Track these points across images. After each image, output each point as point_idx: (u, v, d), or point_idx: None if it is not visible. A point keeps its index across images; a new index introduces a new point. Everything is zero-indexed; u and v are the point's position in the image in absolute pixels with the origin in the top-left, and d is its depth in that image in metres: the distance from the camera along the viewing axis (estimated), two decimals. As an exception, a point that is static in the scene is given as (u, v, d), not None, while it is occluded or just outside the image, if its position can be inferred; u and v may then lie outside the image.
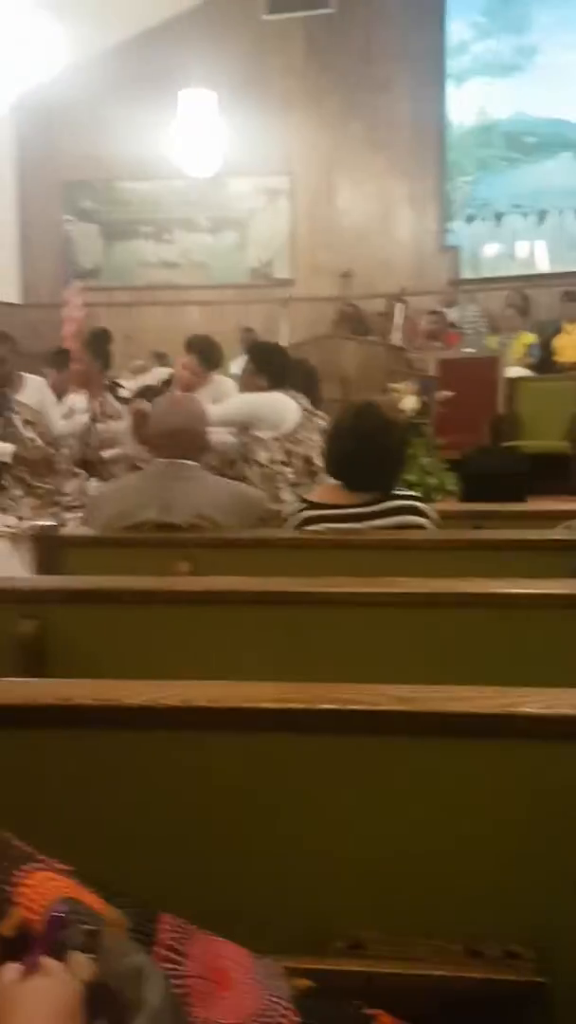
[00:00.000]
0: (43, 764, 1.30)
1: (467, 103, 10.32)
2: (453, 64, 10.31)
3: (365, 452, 2.62)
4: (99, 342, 5.87)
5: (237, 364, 9.81)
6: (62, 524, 3.20)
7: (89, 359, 5.59)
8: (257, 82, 10.40)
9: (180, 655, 2.06)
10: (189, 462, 2.85)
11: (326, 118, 10.51)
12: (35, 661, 2.06)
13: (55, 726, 1.31)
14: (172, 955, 1.06)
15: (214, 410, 3.62)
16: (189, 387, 4.33)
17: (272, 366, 4.07)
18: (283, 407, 3.93)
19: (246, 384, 4.09)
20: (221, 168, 10.09)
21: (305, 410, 4.02)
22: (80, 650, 2.12)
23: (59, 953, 0.91)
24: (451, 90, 10.34)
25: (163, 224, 11.02)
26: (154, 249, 11.09)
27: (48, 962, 0.89)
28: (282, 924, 1.13)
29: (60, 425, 5.21)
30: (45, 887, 1.01)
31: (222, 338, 10.38)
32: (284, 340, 9.27)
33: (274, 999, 1.05)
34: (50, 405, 5.19)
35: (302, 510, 2.72)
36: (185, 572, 2.64)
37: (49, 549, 2.88)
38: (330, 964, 1.09)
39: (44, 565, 2.87)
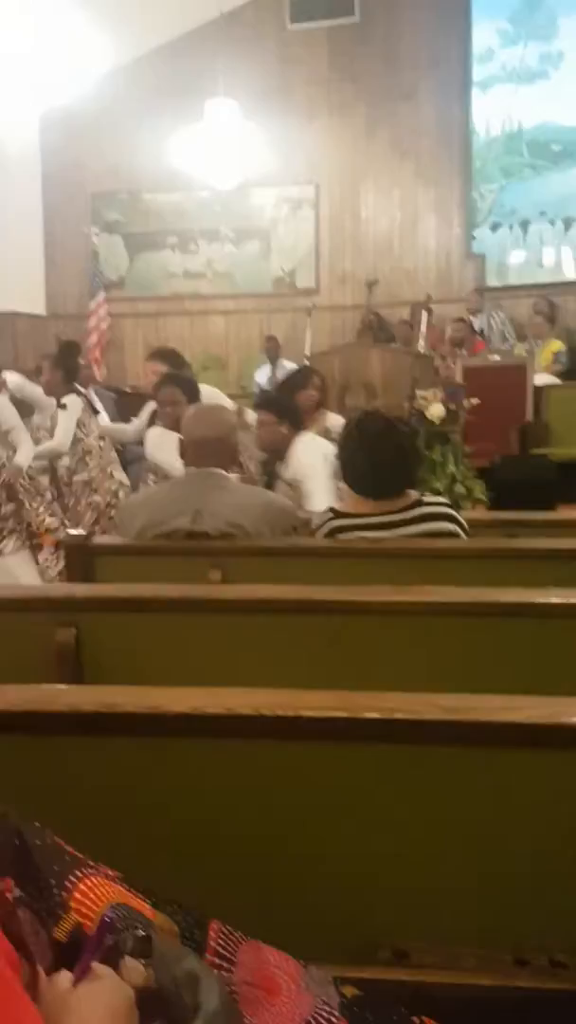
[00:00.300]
0: (88, 770, 1.31)
1: (493, 110, 10.31)
2: (479, 71, 10.31)
3: (375, 458, 2.63)
4: (64, 355, 5.83)
5: (261, 373, 9.84)
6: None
7: (50, 369, 5.59)
8: (281, 92, 10.45)
9: (213, 662, 2.07)
10: (220, 471, 2.86)
11: (351, 127, 10.53)
12: (72, 669, 2.08)
13: (100, 733, 1.32)
14: (221, 961, 1.06)
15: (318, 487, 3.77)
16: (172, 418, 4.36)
17: (289, 412, 4.15)
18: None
19: (271, 434, 4.10)
20: (245, 178, 10.13)
21: None
22: (115, 657, 2.13)
23: (112, 958, 0.92)
24: (476, 97, 10.34)
25: (187, 235, 11.08)
26: (178, 259, 11.15)
27: (100, 968, 0.90)
28: (329, 933, 1.14)
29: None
30: (97, 893, 1.02)
31: (247, 346, 10.49)
32: (307, 348, 9.30)
33: (322, 1006, 1.06)
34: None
35: (331, 519, 2.73)
36: (216, 580, 2.65)
37: (81, 557, 2.90)
38: (377, 973, 1.09)
39: (76, 573, 2.89)
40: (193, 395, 4.30)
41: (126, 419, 8.56)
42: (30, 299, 10.89)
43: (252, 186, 10.45)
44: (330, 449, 3.92)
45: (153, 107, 10.40)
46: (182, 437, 3.01)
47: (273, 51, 10.57)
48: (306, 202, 10.78)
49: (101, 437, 5.57)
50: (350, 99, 10.51)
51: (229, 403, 4.81)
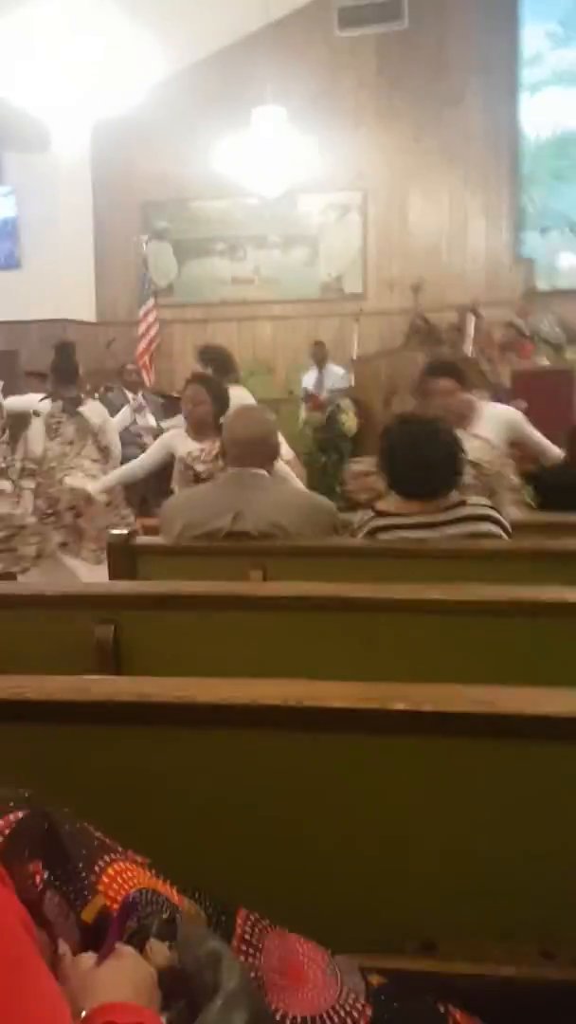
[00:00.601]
0: (121, 759, 1.32)
1: (542, 114, 10.24)
2: (528, 75, 10.24)
3: (423, 458, 2.62)
4: (59, 357, 5.69)
5: (308, 377, 9.86)
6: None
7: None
8: (329, 98, 10.48)
9: (251, 659, 2.08)
10: (261, 471, 2.87)
11: (398, 132, 10.53)
12: (110, 664, 2.10)
13: (133, 723, 1.34)
14: (247, 948, 1.07)
15: None
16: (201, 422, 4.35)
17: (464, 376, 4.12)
18: None
19: (458, 403, 3.98)
20: (293, 185, 10.17)
21: None
22: (153, 653, 2.15)
23: (137, 940, 0.93)
24: (525, 101, 10.27)
25: (236, 241, 11.15)
26: (227, 266, 11.22)
27: (123, 947, 0.91)
28: (356, 923, 1.14)
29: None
30: (124, 877, 1.03)
31: (294, 352, 10.51)
32: (355, 353, 9.29)
33: (348, 994, 1.06)
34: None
35: (372, 519, 2.72)
36: (257, 580, 2.66)
37: (123, 557, 2.93)
38: (404, 963, 1.09)
39: (118, 572, 2.92)
40: (220, 396, 4.28)
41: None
42: (81, 306, 11.02)
43: (300, 192, 10.48)
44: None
45: (202, 115, 10.49)
46: (223, 437, 3.02)
47: (321, 58, 10.60)
48: (353, 208, 10.79)
49: (70, 442, 5.38)
50: (398, 104, 10.51)
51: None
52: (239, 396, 4.83)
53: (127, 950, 0.90)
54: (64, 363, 5.49)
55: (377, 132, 10.56)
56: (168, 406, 8.86)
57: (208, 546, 2.81)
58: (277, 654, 2.12)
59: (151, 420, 7.89)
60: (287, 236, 10.95)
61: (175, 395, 9.70)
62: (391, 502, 2.73)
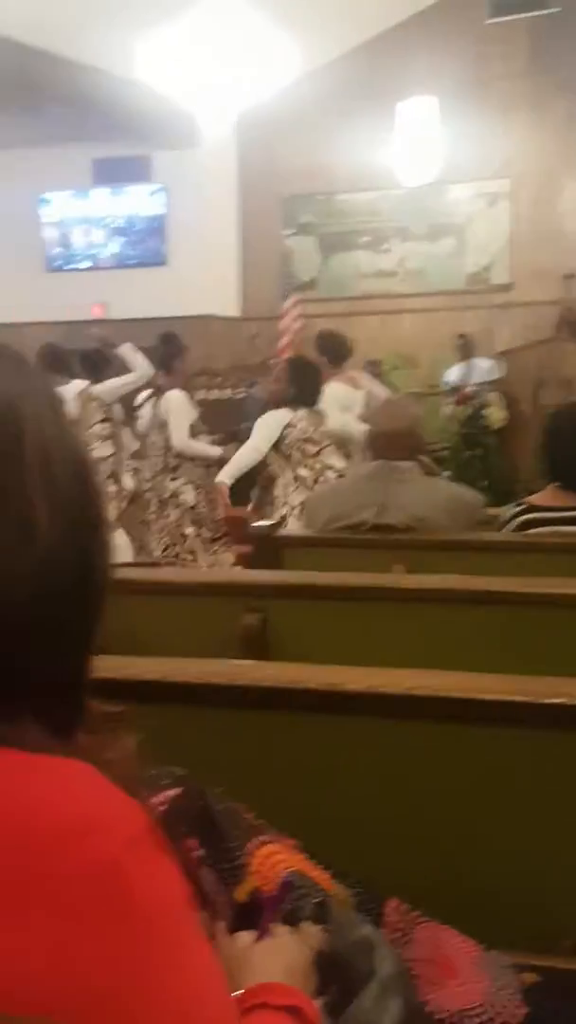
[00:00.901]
0: (271, 745, 1.34)
1: None
2: None
3: None
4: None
5: (453, 371, 9.73)
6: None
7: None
8: (479, 86, 10.30)
9: (396, 652, 2.07)
10: (406, 464, 2.85)
11: (550, 119, 10.26)
12: (258, 653, 2.13)
13: (282, 709, 1.35)
14: (397, 937, 1.07)
15: None
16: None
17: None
18: None
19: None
20: (440, 175, 10.05)
21: None
22: (299, 643, 2.16)
23: (290, 922, 0.93)
24: None
25: (380, 234, 11.09)
26: (371, 259, 11.18)
27: (280, 928, 0.92)
28: (510, 919, 1.12)
29: None
30: (276, 859, 1.04)
31: (438, 345, 10.39)
32: (501, 346, 9.11)
33: (500, 990, 1.04)
34: None
35: (521, 512, 2.67)
36: (400, 573, 2.64)
37: (267, 548, 2.96)
38: (558, 962, 1.06)
39: (262, 563, 2.95)
40: (301, 381, 4.50)
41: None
42: (225, 302, 11.19)
43: (447, 182, 10.35)
44: None
45: (348, 107, 10.47)
46: (370, 428, 3.01)
47: (470, 46, 10.43)
48: (502, 196, 10.57)
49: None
50: (550, 91, 10.23)
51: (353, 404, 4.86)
52: (335, 391, 4.88)
53: (284, 931, 0.90)
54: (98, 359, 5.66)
55: (528, 119, 10.32)
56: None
57: (352, 538, 2.81)
58: (420, 646, 2.09)
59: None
60: (433, 226, 10.83)
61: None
62: (545, 494, 2.66)
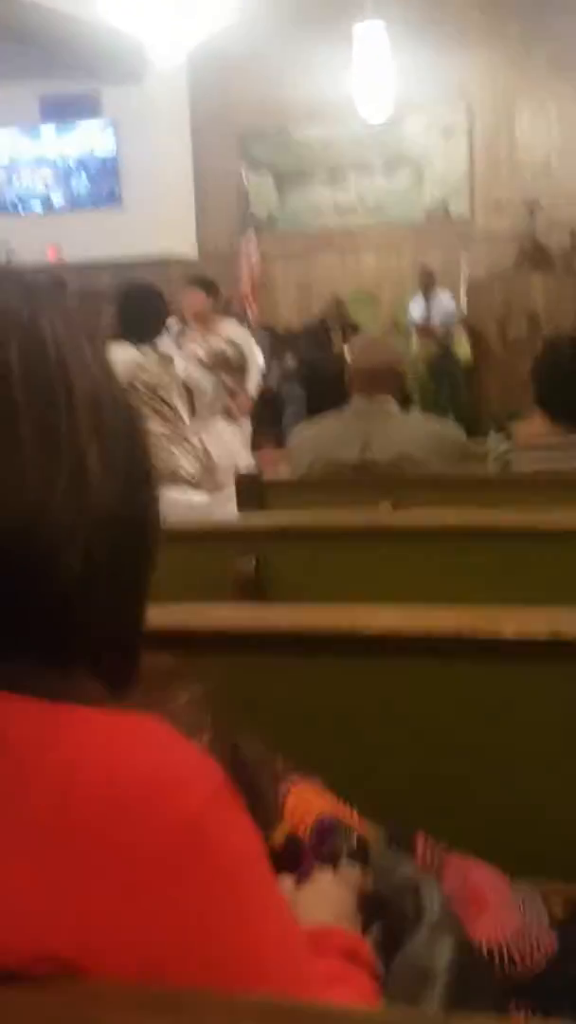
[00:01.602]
0: (287, 689, 1.33)
1: None
2: None
3: None
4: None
5: (416, 306, 9.67)
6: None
7: None
8: (432, 12, 10.06)
9: (390, 590, 2.07)
10: (389, 399, 2.83)
11: (507, 46, 10.06)
12: (253, 597, 2.12)
13: (293, 652, 1.34)
14: (428, 873, 1.07)
15: None
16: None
17: None
18: None
19: None
20: (396, 107, 9.86)
21: None
22: (293, 586, 2.16)
23: (330, 863, 0.94)
24: None
25: (337, 169, 10.90)
26: (328, 195, 11.00)
27: (321, 870, 0.92)
28: (536, 849, 1.13)
29: None
30: (307, 802, 1.04)
31: (400, 281, 10.31)
32: (464, 279, 9.05)
33: (530, 921, 1.06)
34: None
35: (508, 446, 2.66)
36: (386, 511, 2.64)
37: (252, 491, 2.94)
38: (586, 889, 1.07)
39: (247, 507, 2.93)
40: None
41: (280, 359, 8.59)
42: (181, 242, 10.98)
43: (403, 114, 10.17)
44: None
45: (299, 37, 10.19)
46: (350, 365, 2.99)
47: (424, -31, 10.17)
48: (459, 127, 10.42)
49: None
50: (506, 17, 10.02)
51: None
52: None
53: (326, 873, 0.91)
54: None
55: (485, 46, 10.12)
56: (275, 342, 8.84)
57: (337, 478, 2.80)
58: (416, 583, 2.10)
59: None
60: (390, 160, 10.65)
61: (280, 331, 9.68)
62: (532, 424, 2.66)
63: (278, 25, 10.29)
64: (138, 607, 0.67)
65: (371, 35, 9.34)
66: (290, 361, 8.34)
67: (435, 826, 1.12)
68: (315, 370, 8.17)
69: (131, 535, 0.64)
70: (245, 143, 11.09)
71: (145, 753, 0.57)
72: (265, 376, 7.81)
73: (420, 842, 1.12)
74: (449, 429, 2.93)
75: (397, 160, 10.64)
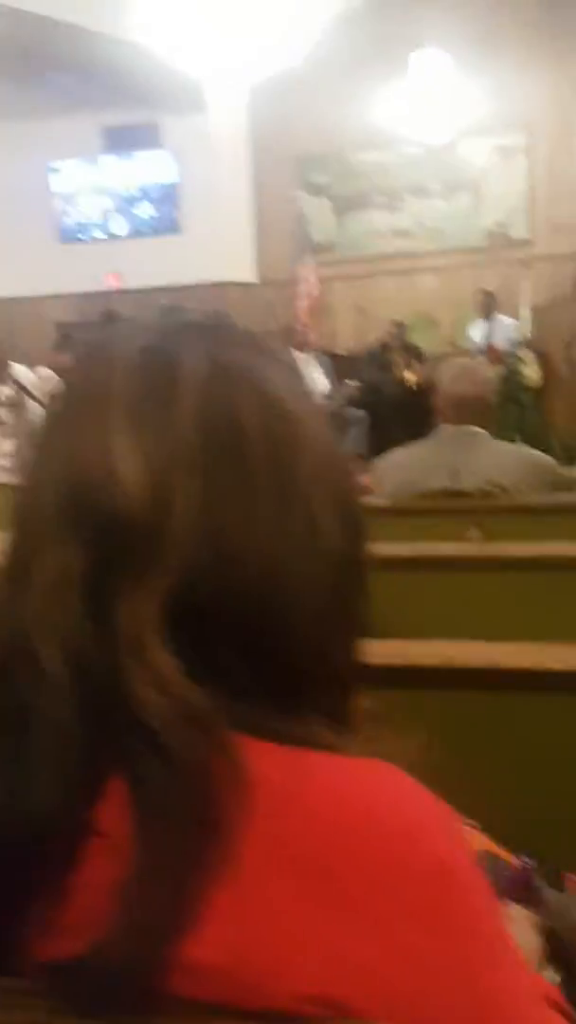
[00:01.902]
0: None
1: None
2: None
3: None
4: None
5: (476, 329, 9.64)
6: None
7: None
8: (493, 37, 10.08)
9: (478, 622, 2.06)
10: (477, 429, 2.83)
11: (567, 68, 10.05)
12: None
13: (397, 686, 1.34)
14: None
15: None
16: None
17: None
18: None
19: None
20: (454, 130, 9.89)
21: None
22: (379, 616, 2.15)
23: (516, 900, 0.94)
24: None
25: (395, 192, 10.93)
26: (386, 218, 11.03)
27: (511, 907, 0.92)
28: None
29: None
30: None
31: (458, 304, 10.29)
32: (527, 302, 9.00)
33: None
34: None
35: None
36: (476, 539, 2.63)
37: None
38: None
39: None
40: None
41: (342, 383, 8.61)
42: (240, 267, 11.07)
43: (462, 136, 10.19)
44: None
45: (359, 64, 10.26)
46: (442, 392, 2.98)
47: (481, -4, 10.20)
48: (518, 149, 10.41)
49: None
50: (566, 40, 10.01)
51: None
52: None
53: (513, 911, 0.91)
54: None
55: (544, 69, 10.11)
56: (336, 366, 8.86)
57: (425, 506, 2.79)
58: (506, 615, 2.08)
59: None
60: (448, 183, 10.66)
61: (342, 353, 9.69)
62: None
63: (337, 50, 10.38)
64: (355, 647, 0.68)
65: (429, 61, 9.38)
66: (352, 385, 8.36)
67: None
68: (377, 393, 8.18)
69: (355, 573, 0.66)
70: (303, 168, 11.17)
71: (394, 799, 0.58)
72: (328, 400, 7.86)
73: (571, 881, 1.11)
74: (539, 456, 2.92)
75: (455, 183, 10.65)
